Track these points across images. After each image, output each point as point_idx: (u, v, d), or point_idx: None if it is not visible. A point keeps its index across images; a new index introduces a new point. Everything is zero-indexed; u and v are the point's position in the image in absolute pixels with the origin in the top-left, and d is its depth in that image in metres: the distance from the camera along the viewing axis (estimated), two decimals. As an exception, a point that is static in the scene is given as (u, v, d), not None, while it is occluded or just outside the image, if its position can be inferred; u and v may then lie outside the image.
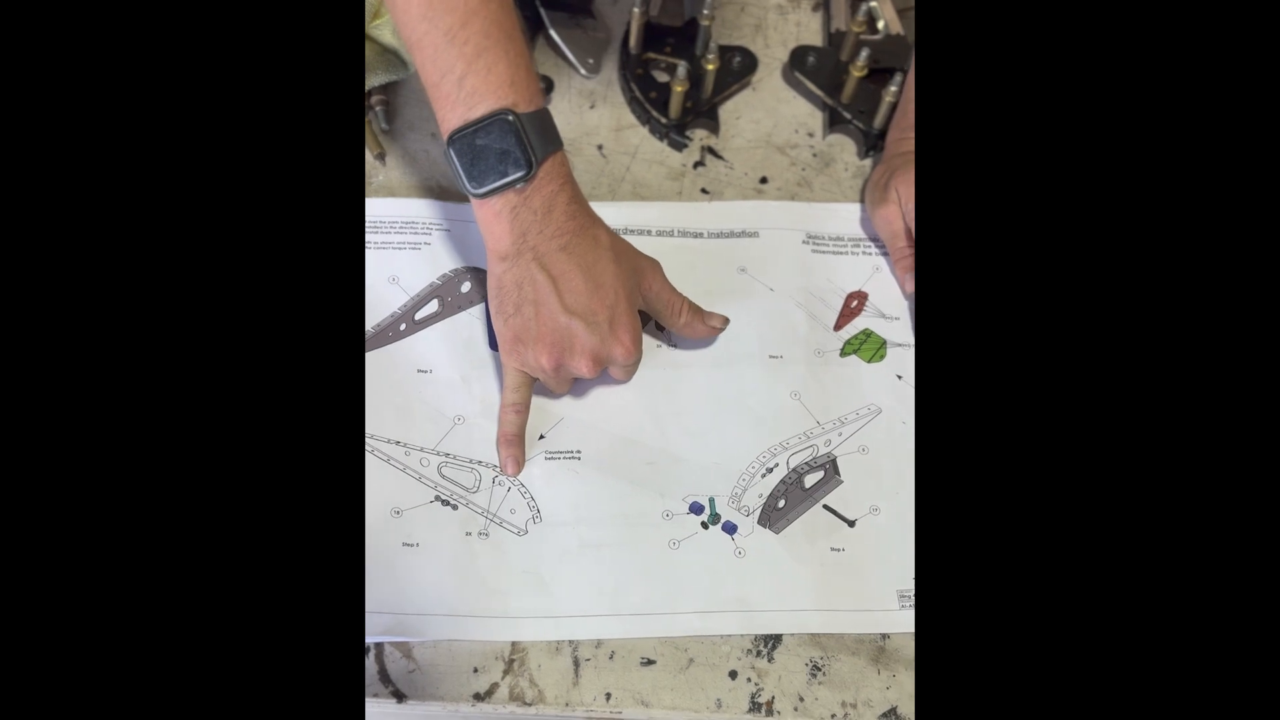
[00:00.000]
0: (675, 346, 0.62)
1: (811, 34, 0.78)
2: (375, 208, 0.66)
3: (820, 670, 0.53)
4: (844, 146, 0.73)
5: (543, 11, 0.74)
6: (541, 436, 0.58)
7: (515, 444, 0.57)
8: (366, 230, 0.64)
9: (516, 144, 0.51)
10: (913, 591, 0.55)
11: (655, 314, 0.59)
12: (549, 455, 0.58)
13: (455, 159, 0.52)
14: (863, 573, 0.56)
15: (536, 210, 0.53)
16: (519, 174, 0.51)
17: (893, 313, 0.65)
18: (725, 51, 0.73)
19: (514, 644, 0.52)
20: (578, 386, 0.60)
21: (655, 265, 0.59)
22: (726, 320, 0.61)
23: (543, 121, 0.52)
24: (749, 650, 0.53)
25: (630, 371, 0.57)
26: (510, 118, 0.50)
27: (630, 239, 0.65)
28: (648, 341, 0.62)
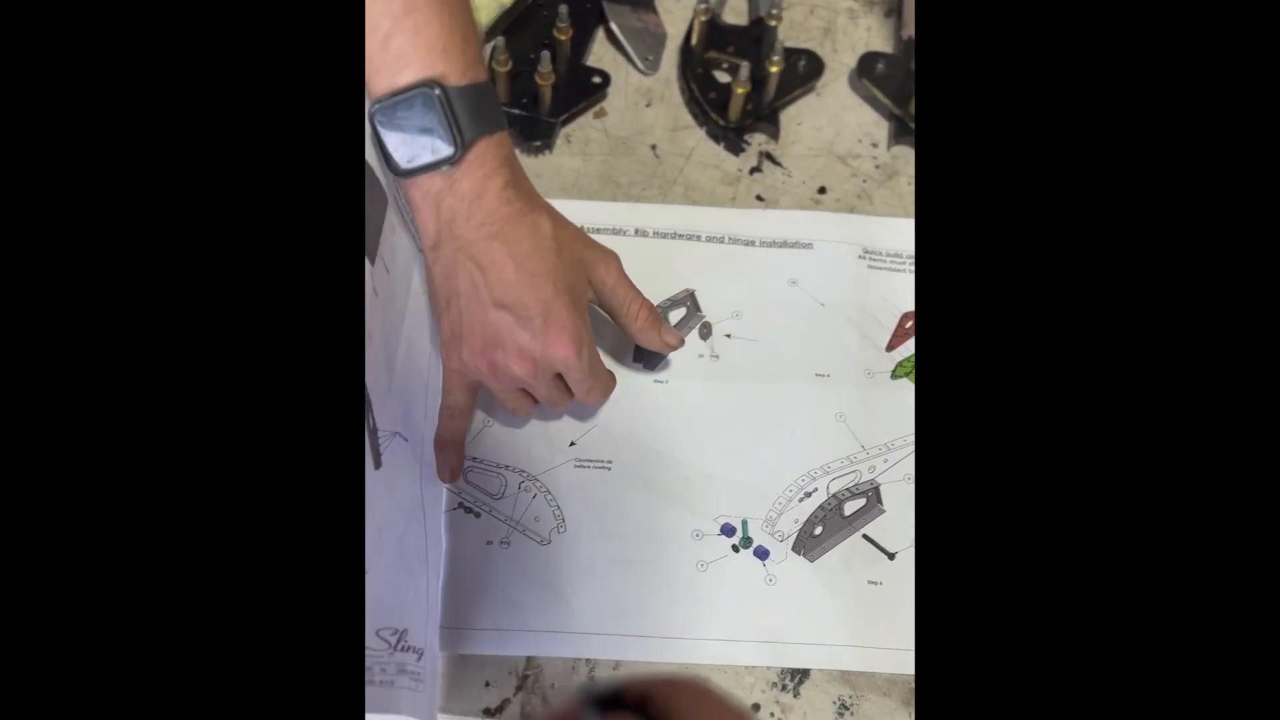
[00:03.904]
0: (717, 359, 0.60)
1: (883, 40, 0.75)
2: None
3: (848, 710, 0.50)
4: (909, 159, 0.69)
5: (604, 3, 0.72)
6: (572, 443, 0.56)
7: (449, 450, 0.53)
8: None
9: (440, 121, 0.45)
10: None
11: (610, 311, 0.54)
12: (579, 463, 0.56)
13: (379, 132, 0.46)
14: (900, 609, 0.53)
15: (464, 196, 0.47)
16: (444, 155, 0.46)
17: (950, 336, 0.62)
18: (790, 54, 0.70)
19: (529, 659, 0.50)
20: (544, 412, 0.56)
21: (610, 256, 0.52)
22: (682, 341, 0.57)
23: (478, 97, 0.46)
24: (774, 684, 0.51)
25: (592, 386, 0.51)
26: (436, 91, 0.45)
27: (678, 244, 0.63)
28: (691, 349, 0.59)
